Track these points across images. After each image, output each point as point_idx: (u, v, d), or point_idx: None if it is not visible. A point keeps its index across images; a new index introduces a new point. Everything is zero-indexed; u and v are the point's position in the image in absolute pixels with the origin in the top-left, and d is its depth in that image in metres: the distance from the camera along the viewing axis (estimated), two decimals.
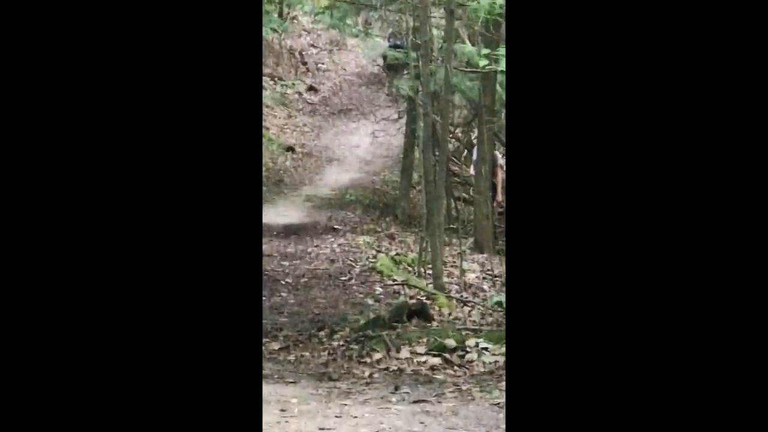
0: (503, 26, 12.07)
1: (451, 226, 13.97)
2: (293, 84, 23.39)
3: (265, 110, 21.23)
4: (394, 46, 20.32)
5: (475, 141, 15.54)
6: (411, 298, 9.71)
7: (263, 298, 9.70)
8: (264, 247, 12.35)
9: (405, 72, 19.21)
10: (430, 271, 10.56)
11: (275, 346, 7.74)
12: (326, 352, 7.54)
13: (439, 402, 5.93)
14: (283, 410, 5.52)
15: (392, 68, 21.56)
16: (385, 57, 21.04)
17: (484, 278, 11.15)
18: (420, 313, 8.59)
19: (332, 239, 13.38)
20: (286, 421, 5.28)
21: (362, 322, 8.37)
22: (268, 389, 5.58)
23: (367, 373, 6.93)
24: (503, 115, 14.85)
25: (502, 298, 9.12)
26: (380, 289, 10.37)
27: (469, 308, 9.44)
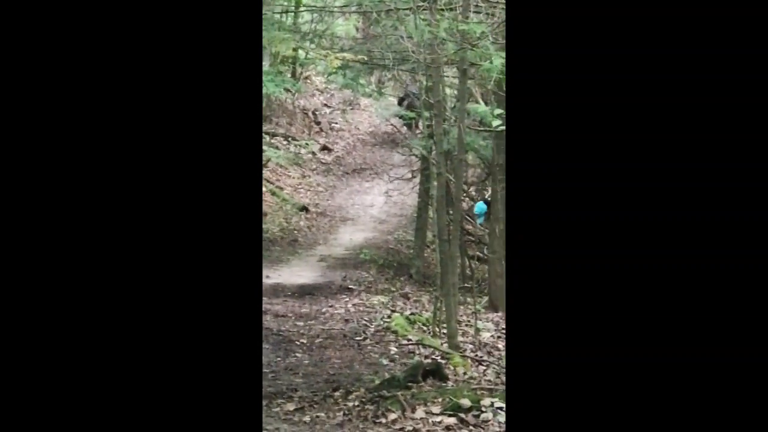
0: None
1: (466, 285, 13.95)
2: (307, 144, 23.48)
3: (279, 170, 21.32)
4: (405, 97, 20.42)
5: (489, 198, 15.58)
6: (426, 357, 9.69)
7: (278, 359, 9.69)
8: (278, 307, 12.36)
9: (418, 130, 19.30)
10: (445, 331, 10.54)
11: (290, 406, 7.71)
12: (341, 413, 7.50)
13: None
14: None
15: (408, 125, 21.65)
16: (402, 99, 21.15)
17: (498, 337, 11.11)
18: (435, 372, 8.56)
19: (347, 299, 13.37)
20: None
21: (377, 382, 8.34)
22: None
23: None
24: None
25: None
26: (395, 349, 10.34)
27: (484, 367, 9.41)
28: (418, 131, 19.72)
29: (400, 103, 21.33)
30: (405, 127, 21.52)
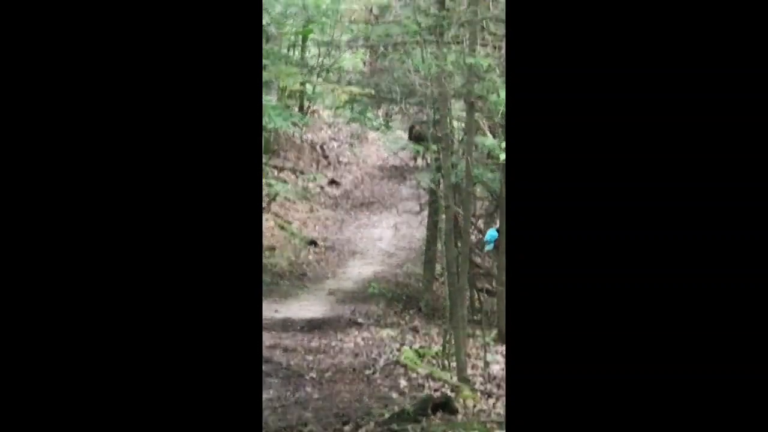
0: None
1: (475, 317, 13.91)
2: (315, 178, 23.51)
3: (287, 204, 21.33)
4: (413, 127, 20.49)
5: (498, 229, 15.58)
6: (435, 390, 9.66)
7: (288, 393, 9.67)
8: (287, 341, 12.34)
9: (426, 162, 19.33)
10: (455, 364, 10.52)
11: None
12: None
13: None
14: None
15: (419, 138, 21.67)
16: (411, 128, 21.25)
17: None
18: (445, 405, 8.54)
19: (356, 333, 13.33)
20: None
21: (387, 416, 8.32)
22: None
23: None
24: None
25: None
26: (404, 383, 10.31)
27: (494, 400, 9.38)
28: (425, 163, 19.73)
29: (410, 132, 21.40)
30: (419, 155, 21.53)
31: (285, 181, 21.91)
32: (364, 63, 23.26)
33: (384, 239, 20.64)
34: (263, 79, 15.89)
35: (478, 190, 15.62)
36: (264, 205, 19.83)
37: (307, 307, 15.11)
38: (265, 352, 11.56)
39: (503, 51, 11.55)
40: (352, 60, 22.56)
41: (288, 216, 20.85)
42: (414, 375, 10.66)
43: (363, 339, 12.91)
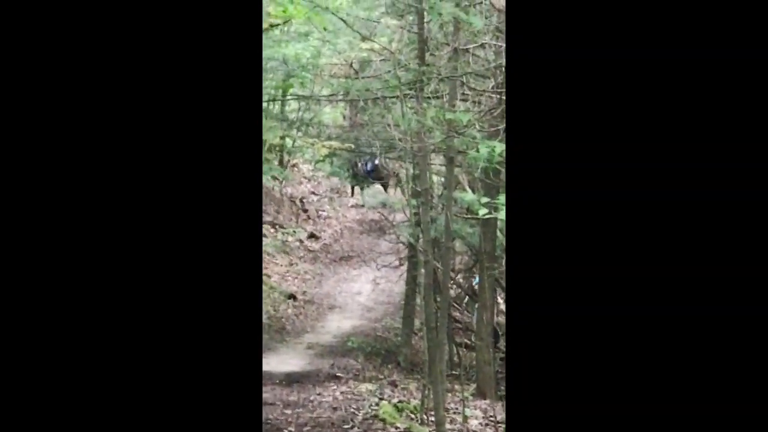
0: (503, 173, 12.28)
1: (454, 372, 13.89)
2: (294, 231, 23.51)
3: (266, 258, 21.30)
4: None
5: (476, 287, 15.60)
6: None
7: None
8: (266, 395, 12.27)
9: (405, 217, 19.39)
10: (433, 418, 10.48)
11: None
12: None
13: None
14: None
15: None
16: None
17: (486, 425, 11.05)
18: None
19: (335, 387, 13.29)
20: None
21: None
22: None
23: None
24: (504, 261, 14.96)
25: None
26: None
27: None
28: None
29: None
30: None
31: (264, 235, 21.91)
32: (344, 117, 23.35)
33: (363, 293, 20.63)
34: None
35: (458, 244, 15.66)
36: None
37: (286, 360, 15.06)
38: None
39: (483, 106, 11.63)
40: (332, 114, 22.65)
41: (267, 270, 20.82)
42: (392, 429, 10.62)
43: (342, 393, 12.86)
